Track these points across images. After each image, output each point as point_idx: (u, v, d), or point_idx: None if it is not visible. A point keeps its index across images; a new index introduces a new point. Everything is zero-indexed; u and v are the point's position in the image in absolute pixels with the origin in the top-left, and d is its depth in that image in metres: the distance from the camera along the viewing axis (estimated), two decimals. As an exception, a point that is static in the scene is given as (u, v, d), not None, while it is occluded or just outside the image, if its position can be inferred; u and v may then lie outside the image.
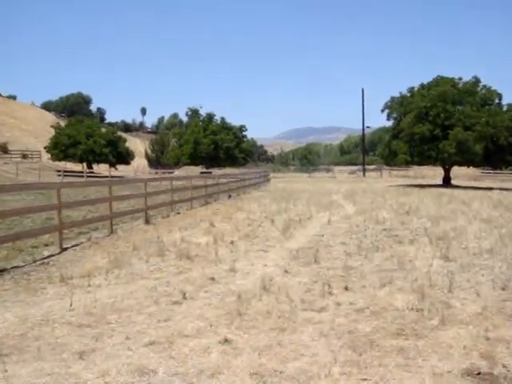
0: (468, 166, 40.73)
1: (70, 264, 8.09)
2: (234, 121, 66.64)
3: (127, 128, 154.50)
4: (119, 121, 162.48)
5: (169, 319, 5.17)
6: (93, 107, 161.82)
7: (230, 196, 24.21)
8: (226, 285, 6.59)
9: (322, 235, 11.14)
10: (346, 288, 6.34)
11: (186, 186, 18.94)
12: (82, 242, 10.25)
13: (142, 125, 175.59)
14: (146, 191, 14.20)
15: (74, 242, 10.24)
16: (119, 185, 18.72)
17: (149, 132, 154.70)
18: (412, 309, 5.45)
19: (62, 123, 66.91)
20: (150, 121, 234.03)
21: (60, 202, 9.50)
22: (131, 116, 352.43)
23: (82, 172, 49.69)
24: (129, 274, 7.24)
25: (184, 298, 5.92)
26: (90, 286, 6.59)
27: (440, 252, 8.69)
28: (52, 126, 61.54)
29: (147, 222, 13.44)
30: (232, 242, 9.93)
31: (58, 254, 9.02)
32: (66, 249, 9.44)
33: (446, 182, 38.24)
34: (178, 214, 16.15)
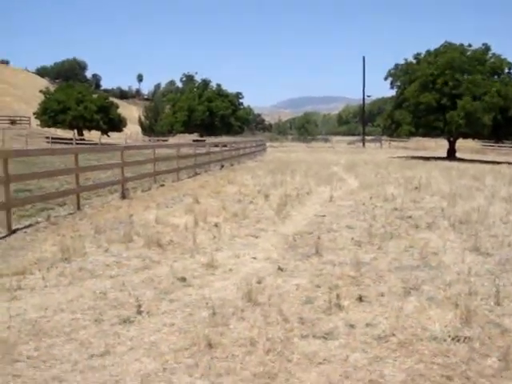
0: (474, 139, 38.85)
1: (10, 254, 6.43)
2: (230, 89, 63.86)
3: (123, 95, 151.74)
4: (115, 87, 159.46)
5: (107, 353, 3.56)
6: (88, 73, 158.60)
7: (222, 166, 22.54)
8: (199, 289, 4.97)
9: (324, 216, 9.52)
10: (360, 298, 4.71)
11: (172, 155, 17.15)
12: (37, 222, 8.59)
13: (138, 92, 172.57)
14: (123, 161, 12.46)
15: (28, 222, 8.59)
16: (91, 153, 16.91)
17: (145, 99, 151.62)
18: (456, 337, 3.84)
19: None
20: (146, 88, 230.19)
21: (7, 174, 7.80)
22: (127, 83, 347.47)
23: (71, 139, 47.76)
24: (77, 271, 5.59)
25: (138, 312, 4.31)
26: (20, 288, 4.97)
27: (469, 242, 7.11)
28: (41, 91, 59.03)
29: (123, 196, 11.77)
30: (216, 225, 8.28)
31: (3, 237, 7.37)
32: (15, 231, 7.79)
33: (451, 155, 36.39)
34: (162, 186, 14.45)
